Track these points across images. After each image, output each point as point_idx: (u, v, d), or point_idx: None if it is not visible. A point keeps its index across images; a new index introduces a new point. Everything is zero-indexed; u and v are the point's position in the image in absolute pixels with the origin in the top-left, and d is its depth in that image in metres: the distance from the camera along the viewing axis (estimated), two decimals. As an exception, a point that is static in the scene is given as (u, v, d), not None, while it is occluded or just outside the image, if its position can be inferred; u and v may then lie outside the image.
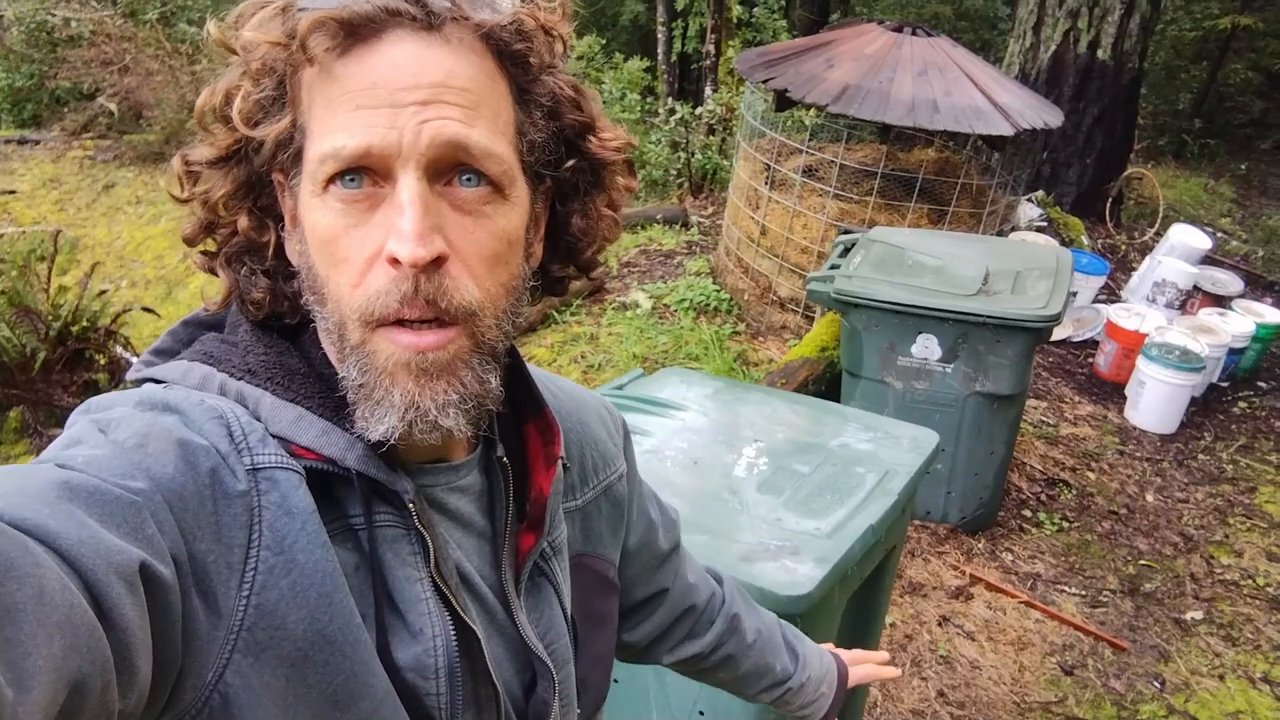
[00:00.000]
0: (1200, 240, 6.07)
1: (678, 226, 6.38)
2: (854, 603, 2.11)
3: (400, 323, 0.71)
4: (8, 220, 7.97)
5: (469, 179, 0.72)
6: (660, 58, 10.07)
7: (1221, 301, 5.66)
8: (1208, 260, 6.25)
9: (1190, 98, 11.38)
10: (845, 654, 1.48)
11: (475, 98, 0.71)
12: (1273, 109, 11.66)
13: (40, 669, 0.47)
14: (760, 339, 5.07)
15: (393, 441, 0.73)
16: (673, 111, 7.40)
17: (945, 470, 3.69)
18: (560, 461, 0.90)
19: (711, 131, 7.52)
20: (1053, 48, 7.03)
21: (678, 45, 10.38)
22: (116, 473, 0.62)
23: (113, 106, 8.85)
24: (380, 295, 0.70)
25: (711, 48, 8.14)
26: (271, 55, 0.71)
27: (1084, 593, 3.61)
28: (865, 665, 1.49)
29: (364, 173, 0.70)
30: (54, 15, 9.23)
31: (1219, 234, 7.77)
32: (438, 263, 0.69)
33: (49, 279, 5.30)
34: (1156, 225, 7.18)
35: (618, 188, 0.87)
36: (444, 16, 0.70)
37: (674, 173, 7.45)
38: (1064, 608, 3.51)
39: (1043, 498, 4.15)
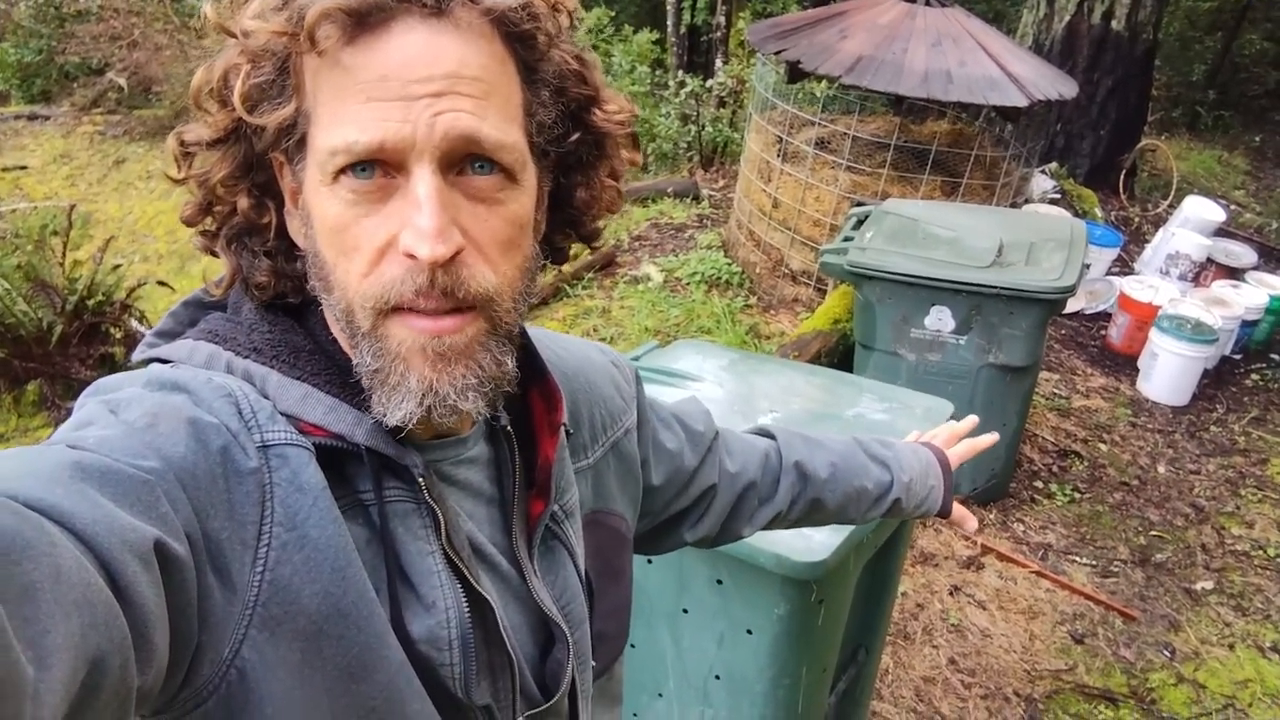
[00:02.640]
0: (1214, 212, 6.04)
1: (688, 200, 6.37)
2: (868, 571, 2.14)
3: (414, 310, 0.71)
4: (20, 195, 7.99)
5: (481, 167, 0.71)
6: (670, 30, 10.00)
7: (1235, 274, 5.64)
8: (1221, 232, 6.21)
9: (1204, 69, 11.25)
10: (938, 435, 1.47)
11: (486, 86, 0.70)
12: (1288, 79, 11.53)
13: (60, 647, 0.47)
14: (772, 312, 5.07)
15: (410, 426, 0.73)
16: (683, 84, 7.36)
17: (957, 442, 3.70)
18: (563, 428, 0.90)
19: (722, 104, 7.49)
20: (1067, 18, 6.97)
21: (687, 17, 10.30)
22: (128, 452, 0.62)
23: (122, 81, 8.85)
24: (394, 284, 0.69)
25: (722, 19, 8.08)
26: (273, 40, 0.69)
27: (1095, 563, 3.63)
28: (962, 444, 1.47)
29: (376, 164, 0.69)
30: (62, -11, 9.22)
31: (1233, 206, 7.72)
32: (455, 255, 0.69)
33: (63, 253, 5.32)
34: (1170, 197, 7.14)
35: (620, 158, 0.86)
36: (452, 1, 0.69)
37: (684, 146, 7.42)
38: (1075, 578, 3.53)
39: (1054, 469, 4.16)
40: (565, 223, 0.87)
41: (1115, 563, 3.65)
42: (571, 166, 0.83)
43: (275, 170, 0.76)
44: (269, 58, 0.70)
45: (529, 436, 0.90)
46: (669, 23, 9.93)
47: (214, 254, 0.80)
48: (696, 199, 6.39)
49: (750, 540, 1.77)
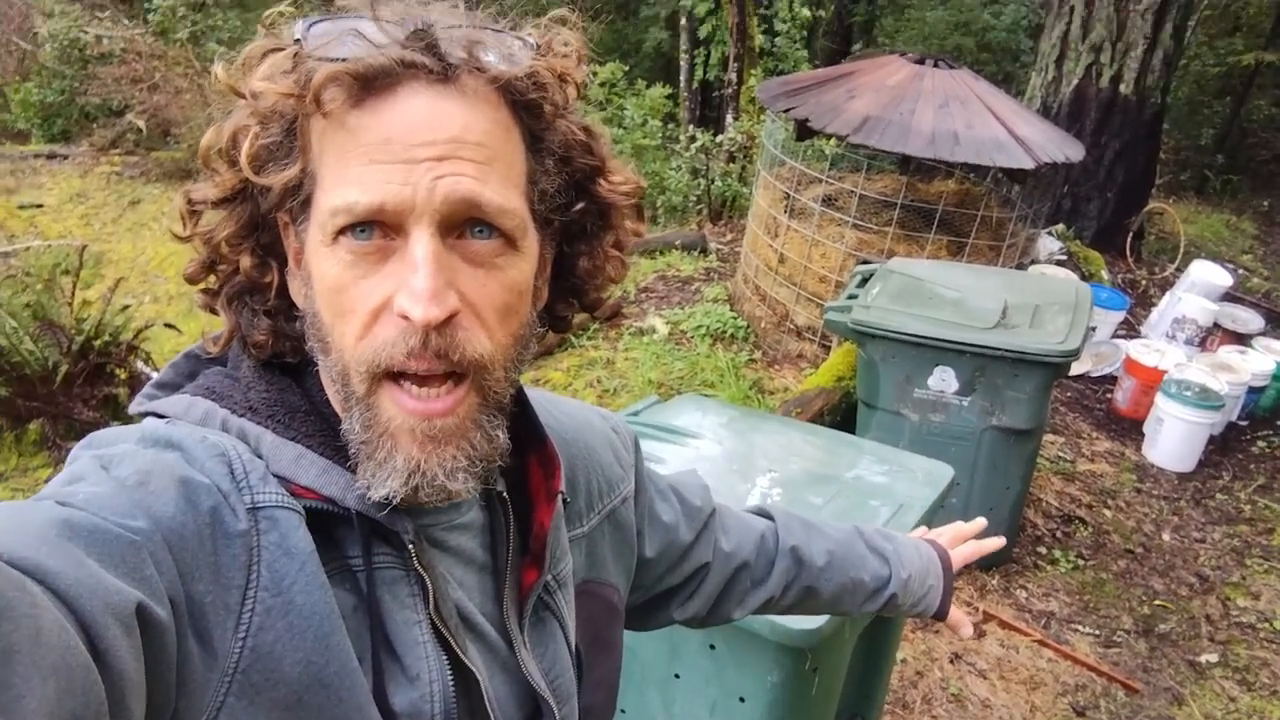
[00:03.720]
0: (1221, 277, 6.04)
1: (696, 253, 6.40)
2: (865, 637, 2.10)
3: (405, 375, 0.70)
4: (33, 234, 8.07)
5: (481, 231, 0.71)
6: (682, 85, 10.14)
7: (1242, 339, 5.62)
8: (1228, 297, 6.21)
9: (1213, 133, 11.35)
10: (943, 534, 1.44)
11: (489, 152, 0.70)
12: (1296, 146, 11.62)
13: (34, 712, 0.47)
14: (776, 367, 5.07)
15: (394, 503, 0.72)
16: (693, 138, 7.44)
17: (960, 504, 3.66)
18: (560, 495, 0.89)
19: (732, 159, 7.56)
20: (1075, 81, 7.04)
21: (700, 73, 10.43)
22: (117, 511, 0.62)
23: (141, 123, 8.98)
24: (386, 346, 0.69)
25: (734, 76, 8.19)
26: (281, 103, 0.70)
27: (1098, 632, 3.57)
28: (966, 545, 1.43)
29: (375, 225, 0.69)
30: (86, 32, 9.40)
31: (1240, 271, 7.72)
32: (450, 318, 0.69)
33: (73, 293, 5.35)
34: (1177, 261, 7.15)
35: (625, 229, 0.86)
36: (459, 68, 0.70)
37: (694, 199, 7.48)
38: (1077, 647, 3.47)
39: (1058, 534, 4.12)
40: (568, 291, 0.86)
41: (1119, 632, 3.59)
42: (575, 236, 0.83)
43: (280, 231, 0.77)
44: (277, 119, 0.70)
45: (525, 502, 0.89)
46: (682, 78, 10.07)
47: (214, 311, 0.80)
48: (704, 252, 6.43)
49: (744, 605, 1.76)
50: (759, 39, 9.69)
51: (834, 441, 2.40)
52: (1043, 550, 3.98)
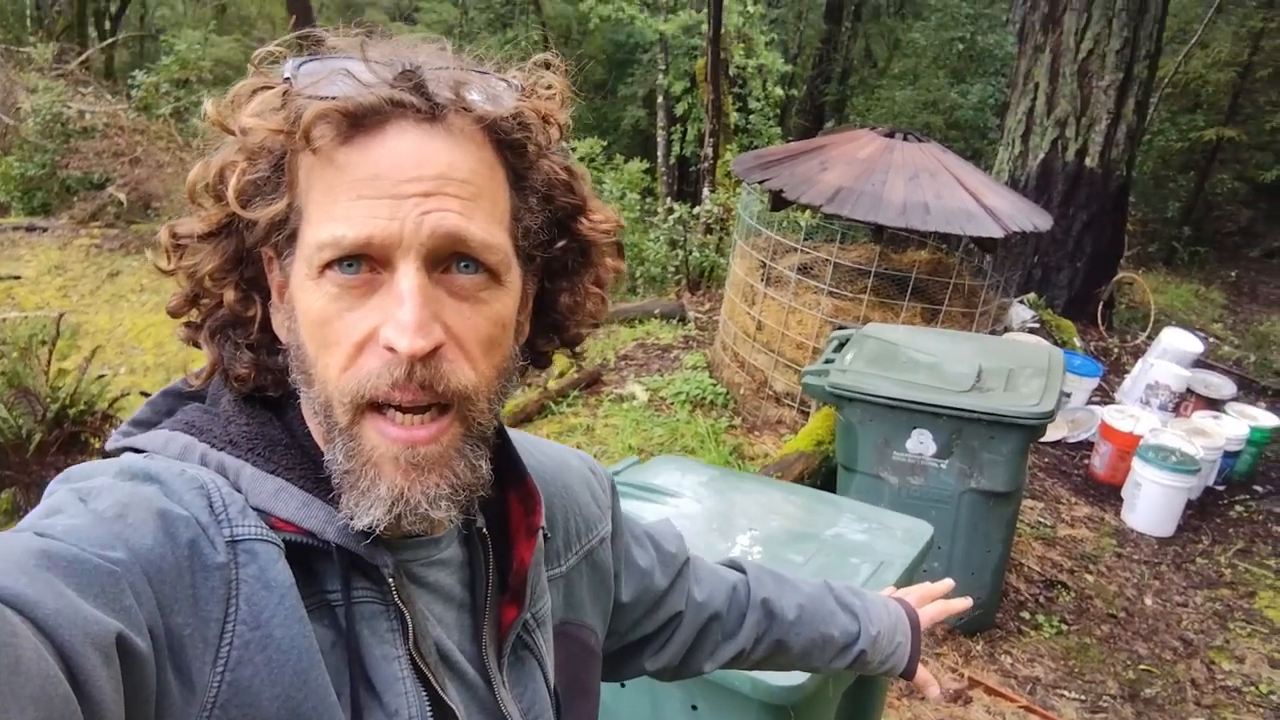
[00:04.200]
0: (1192, 344, 6.13)
1: (675, 321, 6.45)
2: (849, 697, 2.07)
3: (389, 406, 0.71)
4: (10, 305, 8.04)
5: (466, 266, 0.72)
6: (660, 160, 10.34)
7: (1215, 404, 5.69)
8: (1200, 364, 6.30)
9: (1179, 206, 11.64)
10: (910, 594, 1.43)
11: (475, 189, 0.72)
12: (1260, 218, 11.93)
13: None
14: (756, 433, 5.08)
15: (377, 532, 0.72)
16: (671, 210, 7.56)
17: (942, 568, 3.65)
18: (540, 532, 0.89)
19: (709, 230, 7.68)
20: (1041, 155, 7.23)
21: (676, 149, 10.67)
22: (96, 542, 0.62)
23: (122, 196, 9.02)
24: (371, 378, 0.70)
25: (710, 151, 8.37)
26: (270, 139, 0.71)
27: (1084, 698, 3.53)
28: (934, 605, 1.42)
29: (362, 259, 0.70)
30: (70, 107, 9.50)
31: (1211, 339, 7.86)
32: (434, 350, 0.70)
33: (49, 362, 5.32)
34: (1148, 329, 7.27)
35: (606, 266, 0.87)
36: (446, 108, 0.71)
37: (672, 269, 7.56)
38: (1064, 713, 3.43)
39: (1041, 599, 4.10)
40: (549, 328, 0.87)
41: (1104, 698, 3.55)
42: (557, 272, 0.85)
43: (264, 265, 0.77)
44: (265, 155, 0.72)
45: (504, 540, 0.89)
46: (659, 153, 10.28)
47: (197, 345, 0.80)
48: (683, 320, 6.48)
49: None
50: (734, 116, 9.92)
51: (813, 500, 2.40)
52: (1026, 615, 3.96)
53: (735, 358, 5.43)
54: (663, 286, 7.59)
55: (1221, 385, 5.87)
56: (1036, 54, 7.26)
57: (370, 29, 0.76)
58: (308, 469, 0.76)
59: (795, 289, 5.10)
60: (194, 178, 0.76)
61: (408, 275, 0.69)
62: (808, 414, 4.95)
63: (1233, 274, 10.81)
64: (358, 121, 0.69)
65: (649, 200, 9.57)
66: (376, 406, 0.71)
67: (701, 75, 9.53)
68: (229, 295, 0.77)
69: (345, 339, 0.71)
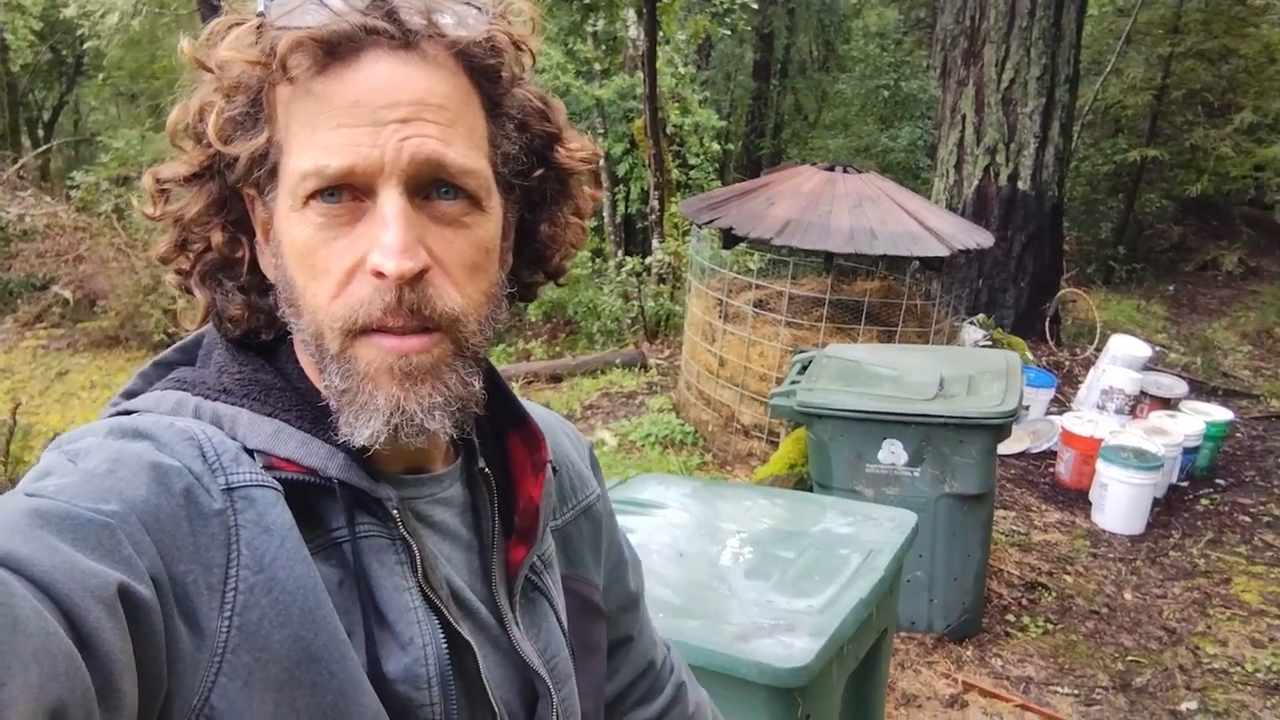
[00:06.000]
0: (1140, 348, 6.30)
1: (636, 369, 6.50)
2: (851, 690, 2.08)
3: (382, 330, 0.71)
4: (-43, 413, 7.85)
5: (447, 192, 0.73)
6: (606, 219, 10.47)
7: (1169, 404, 5.83)
8: (1149, 369, 6.46)
9: (1111, 227, 12.02)
10: None
11: (452, 114, 0.72)
12: (1190, 234, 12.35)
13: (16, 699, 0.47)
14: (728, 468, 5.10)
15: (378, 446, 0.72)
16: (622, 264, 7.66)
17: (925, 577, 3.67)
18: (550, 465, 0.89)
19: (662, 280, 7.77)
20: (975, 182, 7.47)
21: (621, 208, 10.83)
22: (88, 497, 0.61)
23: (67, 294, 8.92)
24: (363, 304, 0.70)
25: (656, 203, 8.51)
26: (247, 73, 0.71)
27: (1077, 692, 3.55)
28: None
29: (344, 188, 0.70)
30: (7, 212, 9.41)
31: (1157, 348, 8.07)
32: (421, 274, 0.70)
33: (3, 464, 5.19)
34: (1095, 341, 7.46)
35: (584, 195, 0.88)
36: (420, 34, 0.71)
37: (628, 321, 7.63)
38: (1059, 708, 3.44)
39: (1024, 602, 4.13)
40: (531, 259, 0.88)
41: (1097, 690, 3.57)
42: (536, 203, 0.85)
43: (248, 205, 0.78)
44: (243, 91, 0.72)
45: (506, 482, 0.89)
46: (604, 213, 10.41)
47: (189, 291, 0.80)
48: (644, 367, 6.53)
49: (731, 651, 1.74)
50: (675, 173, 10.12)
51: (796, 501, 2.42)
52: (1011, 618, 3.98)
53: (700, 396, 5.47)
54: (620, 338, 7.64)
55: (1174, 385, 6.02)
56: (960, 88, 7.54)
57: None
58: (304, 410, 0.76)
59: (753, 323, 5.18)
60: (174, 120, 0.75)
61: (390, 200, 0.70)
62: (777, 444, 4.99)
63: (1170, 288, 11.14)
64: (333, 50, 0.70)
65: (598, 261, 9.68)
66: (368, 331, 0.72)
67: (640, 134, 9.73)
68: (216, 237, 0.77)
69: (334, 267, 0.71)
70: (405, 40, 0.71)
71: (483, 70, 0.76)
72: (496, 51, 0.75)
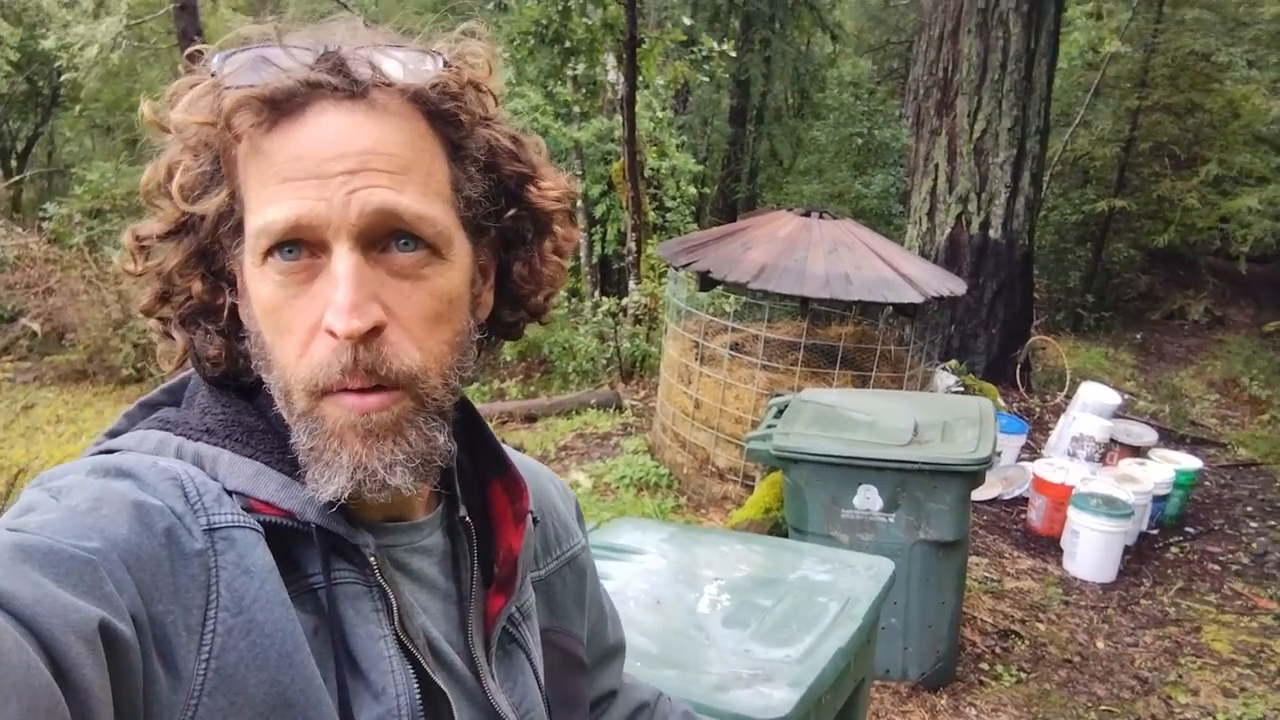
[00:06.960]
0: (1110, 396, 6.37)
1: (612, 410, 6.49)
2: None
3: (344, 389, 0.71)
4: (-83, 446, 7.69)
5: (406, 243, 0.72)
6: (582, 260, 10.51)
7: (1139, 452, 5.89)
8: (1119, 416, 6.53)
9: (1080, 276, 12.21)
10: None
11: (404, 162, 0.72)
12: (1157, 283, 12.57)
13: None
14: (703, 511, 5.08)
15: (343, 501, 0.72)
16: (598, 304, 7.67)
17: (900, 624, 3.66)
18: (530, 516, 0.88)
19: (638, 321, 7.79)
20: (948, 230, 7.57)
21: (598, 249, 10.88)
22: (70, 534, 0.61)
23: (36, 327, 8.81)
24: (323, 367, 0.70)
25: (633, 245, 8.56)
26: (204, 132, 0.72)
27: (1051, 741, 3.54)
28: None
29: (300, 244, 0.70)
30: (-22, 244, 9.31)
31: (1126, 395, 8.17)
32: (375, 332, 0.70)
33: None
34: (1066, 388, 7.54)
35: (562, 234, 0.88)
36: (367, 84, 0.71)
37: (604, 362, 7.63)
38: (1034, 758, 3.42)
39: (997, 650, 4.12)
40: (510, 299, 0.87)
41: (1071, 739, 3.56)
42: (512, 243, 0.84)
43: (227, 257, 0.78)
44: (205, 150, 0.73)
45: (487, 531, 0.88)
46: (581, 254, 10.45)
47: (170, 336, 0.80)
48: (619, 409, 6.52)
49: (709, 701, 1.72)
50: (651, 215, 10.20)
51: (774, 547, 2.41)
52: (985, 666, 3.97)
53: (676, 438, 5.46)
54: (595, 379, 7.64)
55: (1143, 433, 6.08)
56: (934, 137, 7.68)
57: (289, 18, 0.78)
58: (284, 453, 0.76)
59: (729, 366, 5.20)
60: (147, 179, 0.76)
61: (341, 257, 0.69)
62: (752, 488, 4.99)
63: (1138, 336, 11.32)
64: (278, 106, 0.70)
65: (574, 301, 9.70)
66: (330, 392, 0.72)
67: (618, 176, 9.81)
68: (196, 287, 0.77)
69: (296, 325, 0.71)
70: (352, 91, 0.71)
71: (441, 115, 0.75)
72: (453, 95, 0.75)
